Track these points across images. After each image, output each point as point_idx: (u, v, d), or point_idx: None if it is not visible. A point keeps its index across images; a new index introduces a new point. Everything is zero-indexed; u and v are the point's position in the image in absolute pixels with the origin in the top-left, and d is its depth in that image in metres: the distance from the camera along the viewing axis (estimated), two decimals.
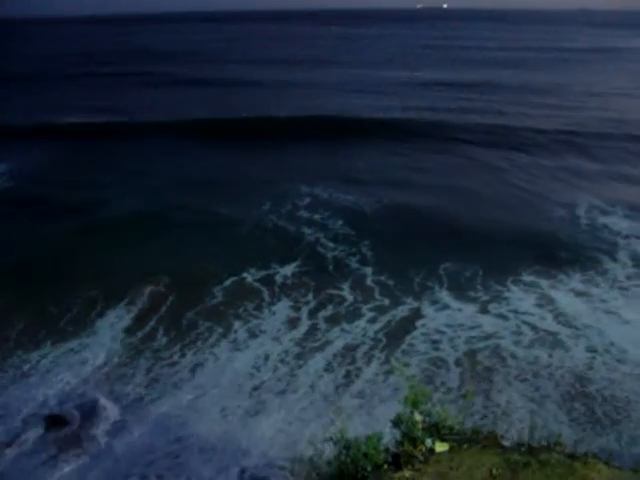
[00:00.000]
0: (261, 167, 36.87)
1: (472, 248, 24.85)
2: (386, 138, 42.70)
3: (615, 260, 23.87)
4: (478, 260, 23.59)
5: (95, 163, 38.48)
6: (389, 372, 17.00)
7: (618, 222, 27.58)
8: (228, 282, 22.26)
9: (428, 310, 20.53)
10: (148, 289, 21.56)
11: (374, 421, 14.65)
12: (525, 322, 19.80)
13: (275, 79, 72.45)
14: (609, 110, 52.99)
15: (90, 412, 15.72)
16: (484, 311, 20.52)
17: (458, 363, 17.72)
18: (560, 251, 24.58)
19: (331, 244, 25.54)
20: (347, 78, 73.30)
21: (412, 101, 57.13)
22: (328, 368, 17.50)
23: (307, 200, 30.75)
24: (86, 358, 17.98)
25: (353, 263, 23.84)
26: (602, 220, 27.88)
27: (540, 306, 20.71)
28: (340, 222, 27.81)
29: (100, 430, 15.09)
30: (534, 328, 19.47)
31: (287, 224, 27.71)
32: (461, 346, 18.52)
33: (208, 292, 21.53)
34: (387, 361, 17.67)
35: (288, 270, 23.24)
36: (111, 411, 15.77)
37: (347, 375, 17.15)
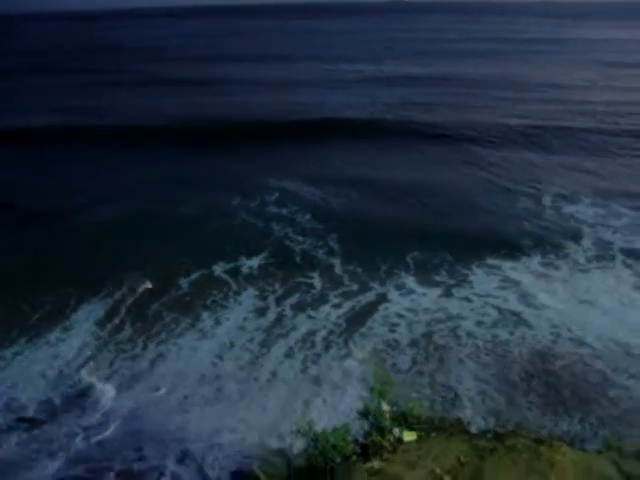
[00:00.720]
0: (231, 166, 35.93)
1: (440, 237, 24.84)
2: (354, 136, 41.90)
3: (578, 245, 24.10)
4: (445, 248, 23.64)
5: (65, 166, 36.98)
6: (345, 356, 17.21)
7: (584, 210, 27.81)
8: (197, 275, 21.96)
9: (393, 295, 20.58)
10: (120, 285, 21.21)
11: (328, 406, 14.81)
12: (488, 303, 19.95)
13: (242, 77, 70.88)
14: (571, 102, 53.07)
15: (63, 409, 15.42)
16: (448, 294, 20.62)
17: (414, 344, 17.80)
18: (525, 238, 24.71)
19: (300, 237, 25.25)
20: (314, 74, 71.88)
21: (380, 97, 56.32)
22: (290, 354, 17.47)
23: (276, 195, 30.38)
24: (60, 351, 17.68)
25: (321, 255, 23.63)
26: (568, 209, 28.08)
27: (503, 288, 20.88)
28: (308, 216, 27.54)
29: (73, 427, 14.75)
30: (497, 309, 19.65)
31: (256, 219, 27.34)
32: (420, 328, 18.62)
33: (177, 285, 21.27)
34: (346, 345, 17.78)
35: (256, 262, 22.97)
36: (85, 407, 15.46)
37: (305, 360, 17.17)
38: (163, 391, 16.09)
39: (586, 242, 24.46)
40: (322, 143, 40.62)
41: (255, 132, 42.62)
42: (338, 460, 7.10)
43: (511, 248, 23.83)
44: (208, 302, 20.38)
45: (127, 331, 18.72)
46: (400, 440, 7.44)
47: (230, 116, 47.57)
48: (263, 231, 26.13)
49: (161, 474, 13.58)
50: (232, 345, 18.03)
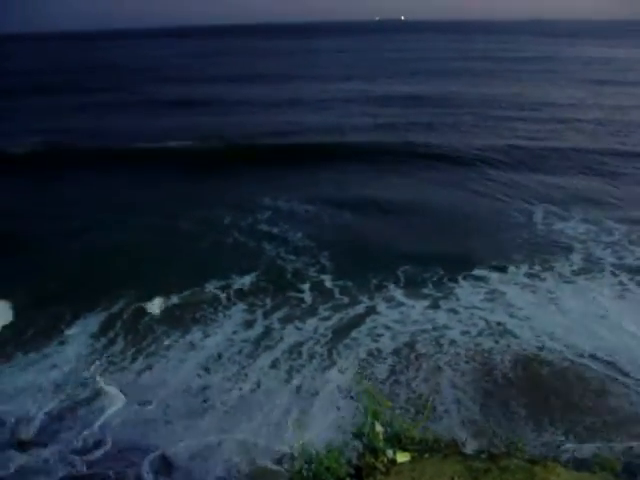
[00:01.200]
0: (227, 186, 35.46)
1: (432, 253, 24.90)
2: (351, 156, 41.18)
3: (567, 259, 24.33)
4: (436, 262, 23.78)
5: (62, 188, 36.06)
6: (328, 366, 17.43)
7: (576, 227, 28.00)
8: (188, 292, 21.97)
9: (382, 307, 20.80)
10: (114, 301, 21.20)
11: (308, 415, 15.23)
12: (474, 314, 20.29)
13: (239, 97, 69.98)
14: (566, 122, 52.87)
15: (58, 423, 15.29)
16: (436, 306, 20.84)
17: (395, 353, 18.10)
18: (514, 253, 24.90)
19: (292, 257, 25.25)
20: (312, 94, 70.79)
21: (378, 117, 55.26)
22: (275, 365, 17.63)
23: (270, 214, 30.41)
24: (55, 365, 17.73)
25: (312, 272, 23.65)
26: (559, 226, 28.28)
27: (490, 300, 21.29)
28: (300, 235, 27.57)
29: (67, 443, 14.52)
30: (483, 319, 20.00)
31: (249, 238, 27.37)
32: (404, 338, 18.90)
33: (169, 301, 21.32)
34: (330, 355, 18.04)
35: (248, 279, 23.00)
36: (78, 420, 15.33)
37: (290, 370, 17.35)
38: (152, 403, 16.00)
39: (575, 257, 24.62)
40: (316, 165, 39.65)
41: (251, 153, 41.94)
42: None
43: (499, 262, 24.02)
44: (198, 316, 20.41)
45: (120, 344, 18.69)
46: (394, 461, 7.21)
47: (226, 136, 46.85)
48: (256, 250, 26.03)
49: None
50: (220, 357, 18.08)
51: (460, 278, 22.75)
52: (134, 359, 17.93)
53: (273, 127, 51.33)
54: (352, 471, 6.83)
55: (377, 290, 21.94)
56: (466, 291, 21.87)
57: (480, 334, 19.04)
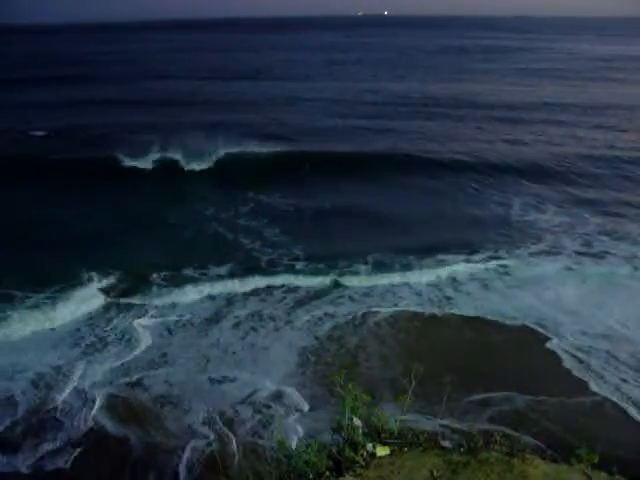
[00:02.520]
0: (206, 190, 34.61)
1: (404, 242, 25.66)
2: (336, 164, 38.84)
3: (533, 246, 25.39)
4: (406, 250, 24.71)
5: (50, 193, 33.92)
6: (282, 326, 19.00)
7: (551, 219, 28.68)
8: (166, 274, 22.84)
9: (347, 283, 22.14)
10: (102, 279, 22.40)
11: (259, 367, 16.81)
12: (429, 291, 21.78)
13: (222, 96, 66.45)
14: (554, 124, 51.67)
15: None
16: (397, 283, 22.14)
17: (344, 315, 19.73)
18: (483, 241, 25.93)
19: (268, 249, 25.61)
20: (295, 93, 67.76)
21: (369, 122, 52.35)
22: (236, 326, 19.08)
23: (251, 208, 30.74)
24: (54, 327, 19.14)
25: (286, 261, 24.34)
26: (533, 217, 29.04)
27: (447, 278, 22.82)
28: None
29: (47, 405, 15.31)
30: (436, 295, 21.47)
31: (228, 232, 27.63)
32: (359, 305, 20.39)
33: (147, 281, 22.41)
34: (287, 317, 19.63)
35: (223, 263, 23.93)
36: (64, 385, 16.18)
37: (248, 330, 18.83)
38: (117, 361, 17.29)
39: (542, 243, 25.54)
40: (297, 173, 37.03)
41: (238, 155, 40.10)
42: (311, 476, 7.01)
43: (467, 248, 25.10)
44: (170, 292, 21.47)
45: (104, 314, 20.15)
46: (373, 455, 7.34)
47: (211, 136, 43.67)
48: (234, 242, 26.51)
49: (129, 451, 13.65)
50: (182, 320, 19.55)
51: (425, 261, 23.72)
52: (109, 322, 19.51)
53: (261, 129, 48.62)
54: (332, 465, 6.94)
55: (346, 270, 22.90)
56: (428, 271, 23.03)
57: (428, 303, 20.48)
